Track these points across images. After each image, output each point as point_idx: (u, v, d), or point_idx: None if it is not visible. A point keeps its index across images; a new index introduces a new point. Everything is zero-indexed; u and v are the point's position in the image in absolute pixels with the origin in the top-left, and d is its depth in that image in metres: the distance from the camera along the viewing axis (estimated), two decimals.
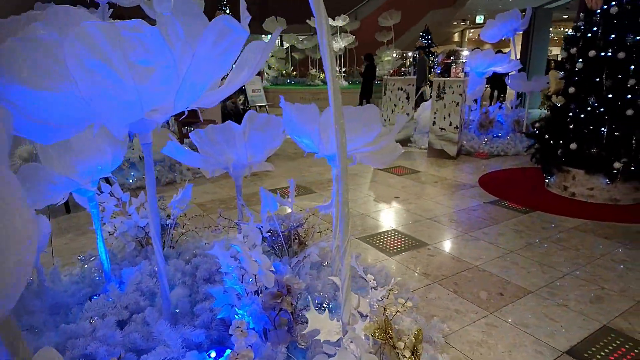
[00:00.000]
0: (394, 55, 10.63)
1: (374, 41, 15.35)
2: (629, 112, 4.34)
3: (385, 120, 7.90)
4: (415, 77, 8.15)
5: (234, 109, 7.30)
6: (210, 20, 1.41)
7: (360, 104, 12.55)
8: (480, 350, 2.26)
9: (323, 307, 2.39)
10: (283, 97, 2.37)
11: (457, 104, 6.60)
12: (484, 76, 7.57)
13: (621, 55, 4.38)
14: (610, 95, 4.48)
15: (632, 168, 4.36)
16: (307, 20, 14.66)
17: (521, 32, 9.22)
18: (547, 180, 5.19)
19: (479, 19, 17.30)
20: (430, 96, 11.15)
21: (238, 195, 2.90)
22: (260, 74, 12.00)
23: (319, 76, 16.10)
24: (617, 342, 2.32)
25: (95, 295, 2.47)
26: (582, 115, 4.64)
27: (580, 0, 5.44)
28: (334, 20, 14.55)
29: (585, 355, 2.22)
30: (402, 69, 8.09)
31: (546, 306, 2.68)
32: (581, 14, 4.88)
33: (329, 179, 5.57)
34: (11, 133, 1.24)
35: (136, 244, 2.92)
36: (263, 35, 18.43)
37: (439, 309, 2.65)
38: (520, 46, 12.92)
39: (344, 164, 1.47)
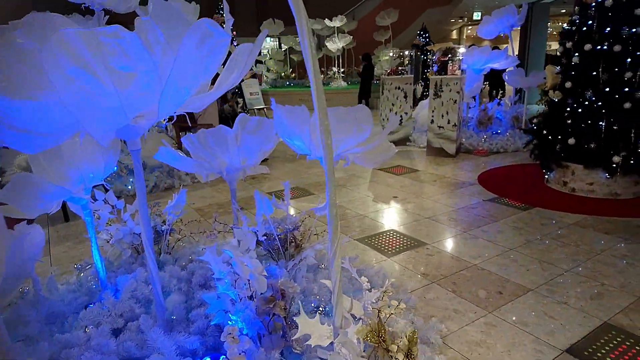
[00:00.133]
0: (391, 54, 10.61)
1: (372, 41, 15.34)
2: (627, 105, 4.31)
3: (383, 120, 7.88)
4: (413, 75, 8.13)
5: (231, 113, 7.29)
6: None
7: (360, 104, 12.54)
8: (479, 351, 2.24)
9: (319, 310, 2.37)
10: (274, 100, 2.36)
11: (455, 101, 6.57)
12: (481, 73, 7.54)
13: (617, 48, 4.35)
14: (607, 89, 4.45)
15: (632, 162, 4.33)
16: None
17: (519, 28, 9.20)
18: (546, 177, 5.16)
19: (476, 16, 17.25)
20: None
21: (233, 199, 2.88)
22: (258, 76, 12.00)
23: None
24: (618, 339, 2.29)
25: (91, 304, 2.47)
26: (580, 110, 4.61)
27: None
28: (331, 21, 14.55)
29: (586, 353, 2.19)
30: (400, 68, 8.06)
31: (546, 304, 2.65)
32: (576, 7, 4.86)
33: None
34: None
35: (132, 251, 2.91)
36: None
37: (438, 309, 2.63)
38: (518, 42, 12.89)
39: (330, 165, 1.45)
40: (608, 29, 4.45)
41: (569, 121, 4.68)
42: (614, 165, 4.37)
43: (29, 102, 1.32)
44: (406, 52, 9.39)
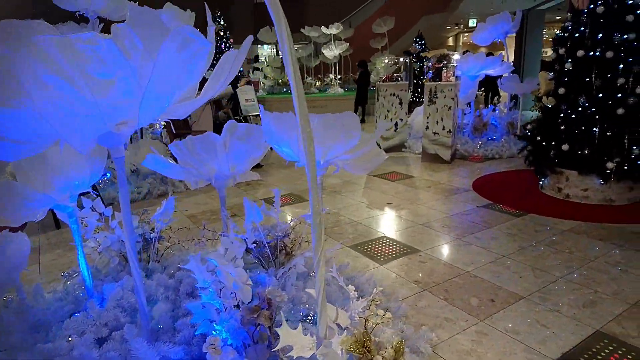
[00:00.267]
0: (386, 61, 10.64)
1: (369, 48, 15.40)
2: (620, 111, 4.31)
3: None
4: (407, 82, 8.14)
5: (225, 119, 7.28)
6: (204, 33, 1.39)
7: (356, 110, 12.55)
8: None
9: (308, 319, 2.33)
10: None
11: (449, 108, 6.58)
12: (476, 79, 7.55)
13: (609, 54, 4.36)
14: (600, 95, 4.45)
15: (626, 167, 4.32)
16: (302, 29, 14.72)
17: (514, 35, 9.23)
18: (541, 183, 5.15)
19: (472, 23, 17.36)
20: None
21: (222, 206, 2.86)
22: (254, 83, 12.00)
23: (315, 84, 16.14)
24: (610, 347, 2.26)
25: (77, 313, 2.43)
26: (573, 116, 4.61)
27: (568, 0, 5.44)
28: (327, 28, 14.61)
29: None
30: (395, 74, 8.07)
31: (538, 312, 2.62)
32: (569, 14, 4.87)
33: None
34: None
35: (120, 258, 2.87)
36: (258, 46, 18.54)
37: (429, 317, 2.60)
38: (513, 48, 12.95)
39: (313, 172, 1.43)
40: (600, 35, 4.46)
41: (563, 127, 4.67)
42: (608, 171, 4.36)
43: (4, 109, 1.30)
44: (401, 59, 9.40)
